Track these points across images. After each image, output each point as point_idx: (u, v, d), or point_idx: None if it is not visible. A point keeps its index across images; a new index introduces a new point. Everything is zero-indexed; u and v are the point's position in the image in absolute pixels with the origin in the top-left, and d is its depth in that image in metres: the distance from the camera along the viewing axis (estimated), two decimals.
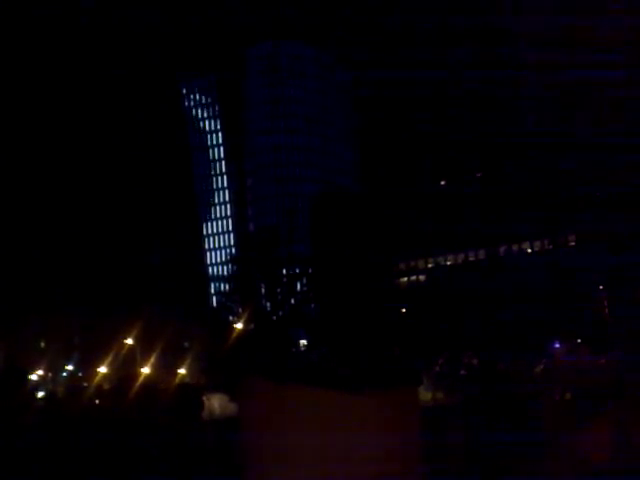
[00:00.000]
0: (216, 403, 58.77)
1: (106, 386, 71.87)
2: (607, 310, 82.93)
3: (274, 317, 67.69)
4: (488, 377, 63.27)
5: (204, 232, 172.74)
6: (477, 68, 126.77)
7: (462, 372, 72.39)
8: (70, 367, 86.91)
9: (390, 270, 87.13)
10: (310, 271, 71.61)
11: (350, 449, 2.76)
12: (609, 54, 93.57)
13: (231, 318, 68.54)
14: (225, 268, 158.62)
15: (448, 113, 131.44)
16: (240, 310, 66.93)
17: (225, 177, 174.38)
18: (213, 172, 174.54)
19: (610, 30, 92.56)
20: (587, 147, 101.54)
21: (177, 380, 71.34)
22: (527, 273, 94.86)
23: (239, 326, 64.71)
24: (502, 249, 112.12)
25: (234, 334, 63.03)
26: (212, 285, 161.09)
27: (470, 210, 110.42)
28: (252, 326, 65.71)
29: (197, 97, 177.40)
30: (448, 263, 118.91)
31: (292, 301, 69.64)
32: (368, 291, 66.84)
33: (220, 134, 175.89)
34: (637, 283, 76.43)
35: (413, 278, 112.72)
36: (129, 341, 71.93)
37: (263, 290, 68.68)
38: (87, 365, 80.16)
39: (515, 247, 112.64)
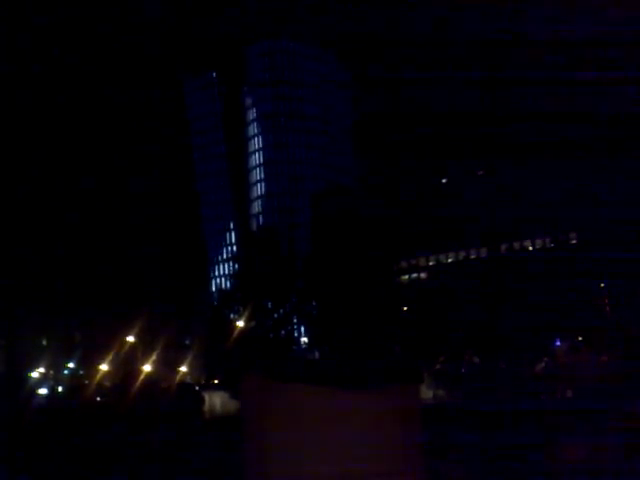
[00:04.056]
0: (217, 401, 58.91)
1: (107, 383, 72.07)
2: (609, 308, 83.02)
3: (275, 315, 67.79)
4: (489, 375, 63.36)
5: (205, 230, 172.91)
6: (480, 66, 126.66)
7: (463, 370, 72.52)
8: (71, 365, 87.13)
9: (391, 268, 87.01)
10: (311, 269, 71.59)
11: (351, 447, 2.74)
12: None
13: (232, 316, 68.65)
14: (227, 266, 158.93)
15: (450, 111, 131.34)
16: (241, 308, 67.02)
17: (226, 175, 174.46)
18: (214, 170, 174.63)
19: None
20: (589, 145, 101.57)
21: (178, 378, 71.52)
22: (529, 271, 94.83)
23: (240, 324, 64.81)
24: (504, 247, 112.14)
25: (235, 332, 63.12)
26: (213, 283, 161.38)
27: (471, 208, 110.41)
28: (253, 323, 65.81)
29: (198, 95, 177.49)
30: (449, 261, 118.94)
31: (293, 299, 69.69)
32: (369, 289, 66.82)
33: (221, 131, 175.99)
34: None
35: (414, 276, 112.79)
36: (130, 339, 72.08)
37: (264, 288, 68.71)
38: (88, 363, 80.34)
39: (517, 245, 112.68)
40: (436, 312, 74.61)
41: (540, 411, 37.69)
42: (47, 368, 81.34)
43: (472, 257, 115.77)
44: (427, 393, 53.61)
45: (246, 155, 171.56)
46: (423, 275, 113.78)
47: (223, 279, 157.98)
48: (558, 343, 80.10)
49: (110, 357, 72.99)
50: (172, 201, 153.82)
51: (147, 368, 68.34)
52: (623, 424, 23.81)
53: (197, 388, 68.70)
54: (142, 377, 64.44)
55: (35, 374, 76.55)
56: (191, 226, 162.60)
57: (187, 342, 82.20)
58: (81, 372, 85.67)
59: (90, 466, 28.09)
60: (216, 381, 71.97)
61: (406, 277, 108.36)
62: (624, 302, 77.69)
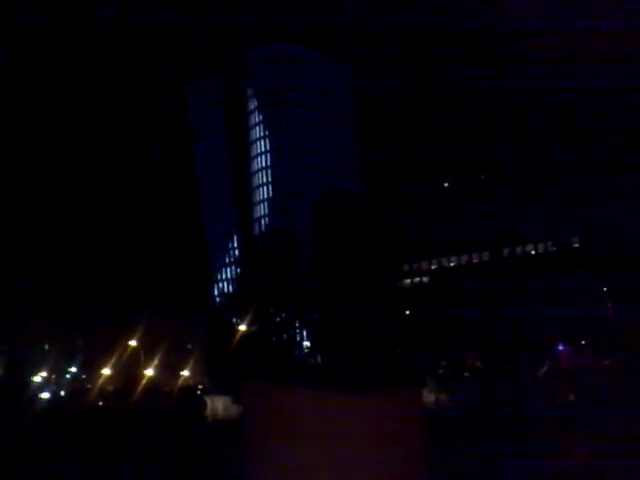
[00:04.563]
0: (219, 405, 58.85)
1: (109, 388, 72.05)
2: (611, 311, 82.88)
3: (277, 319, 67.67)
4: (491, 379, 63.26)
5: (207, 234, 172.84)
6: (480, 67, 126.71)
7: (466, 374, 72.43)
8: (73, 369, 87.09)
9: (393, 271, 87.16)
10: (313, 273, 71.60)
11: (353, 452, 2.72)
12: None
13: (234, 320, 68.54)
14: (228, 270, 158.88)
15: (451, 114, 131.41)
16: (243, 312, 66.90)
17: (228, 179, 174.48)
18: (216, 174, 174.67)
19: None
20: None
21: (180, 382, 71.45)
22: (531, 275, 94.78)
23: (242, 328, 64.72)
24: (506, 251, 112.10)
25: (237, 336, 63.04)
26: (215, 287, 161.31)
27: (474, 212, 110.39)
28: (255, 328, 65.72)
29: (200, 99, 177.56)
30: (451, 264, 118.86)
31: (295, 303, 69.58)
32: (372, 293, 66.90)
33: (223, 136, 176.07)
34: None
35: (416, 280, 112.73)
36: (132, 343, 72.01)
37: (266, 292, 68.64)
38: (90, 367, 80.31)
39: (519, 249, 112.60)
40: (439, 316, 74.51)
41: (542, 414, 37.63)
42: (49, 372, 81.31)
43: (475, 261, 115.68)
44: (429, 397, 53.57)
45: (248, 159, 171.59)
46: (426, 279, 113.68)
47: (225, 283, 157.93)
48: (561, 347, 79.96)
49: (112, 361, 72.92)
50: (174, 205, 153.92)
51: (149, 372, 68.27)
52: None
53: (199, 392, 68.66)
54: (144, 381, 64.38)
55: (37, 378, 76.52)
56: (193, 230, 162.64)
57: (189, 346, 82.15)
58: (83, 376, 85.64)
59: (92, 469, 28.07)
60: (200, 386, 72.06)
61: (409, 281, 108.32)
62: (626, 306, 77.53)
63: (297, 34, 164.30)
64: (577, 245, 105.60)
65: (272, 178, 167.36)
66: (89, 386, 75.79)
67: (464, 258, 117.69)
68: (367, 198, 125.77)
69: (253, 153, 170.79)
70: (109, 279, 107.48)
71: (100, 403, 65.69)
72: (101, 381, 72.29)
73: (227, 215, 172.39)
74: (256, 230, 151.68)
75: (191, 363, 74.19)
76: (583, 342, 78.96)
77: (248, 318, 64.74)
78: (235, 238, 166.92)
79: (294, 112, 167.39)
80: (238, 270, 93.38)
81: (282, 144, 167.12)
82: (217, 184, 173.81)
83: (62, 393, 78.74)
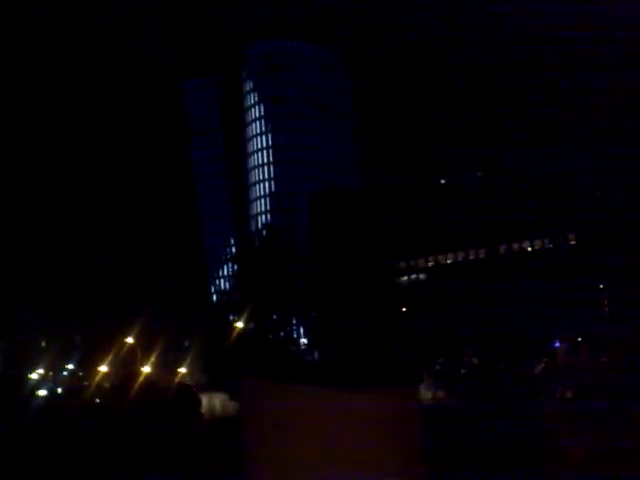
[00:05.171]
0: (217, 402, 58.83)
1: (106, 385, 72.02)
2: (607, 309, 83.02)
3: (274, 316, 67.64)
4: (488, 376, 63.35)
5: (204, 231, 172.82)
6: (479, 66, 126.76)
7: (462, 371, 72.51)
8: (70, 366, 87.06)
9: (390, 269, 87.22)
10: (310, 270, 71.60)
11: (351, 448, 2.74)
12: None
13: (231, 317, 68.50)
14: (225, 267, 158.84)
15: (449, 111, 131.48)
16: (240, 309, 66.87)
17: (225, 176, 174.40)
18: (213, 171, 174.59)
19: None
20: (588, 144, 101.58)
21: (177, 379, 71.40)
22: (527, 272, 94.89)
23: (240, 325, 64.67)
24: (502, 248, 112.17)
25: (234, 333, 63.01)
26: (212, 284, 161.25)
27: (470, 208, 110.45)
28: (253, 325, 65.69)
29: (197, 95, 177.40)
30: (448, 262, 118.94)
31: (292, 300, 69.56)
32: (369, 290, 66.92)
33: (220, 132, 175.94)
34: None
35: (413, 277, 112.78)
36: (129, 340, 72.02)
37: (263, 289, 68.63)
38: (87, 364, 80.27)
39: (515, 246, 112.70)
40: (435, 313, 74.57)
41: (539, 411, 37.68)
42: (46, 369, 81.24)
43: (471, 258, 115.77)
44: (426, 394, 53.57)
45: (245, 156, 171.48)
46: (422, 276, 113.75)
47: (222, 280, 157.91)
48: (557, 344, 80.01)
49: (110, 359, 72.89)
50: (171, 203, 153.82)
51: (146, 369, 68.23)
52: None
53: (195, 389, 68.56)
54: (141, 378, 64.32)
55: (34, 375, 76.46)
56: (190, 227, 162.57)
57: (186, 344, 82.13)
58: (80, 373, 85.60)
59: (89, 466, 28.08)
60: (186, 383, 71.95)
61: (406, 278, 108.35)
62: (623, 303, 77.62)
63: (295, 31, 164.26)
64: (573, 242, 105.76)
65: (269, 175, 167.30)
66: (86, 383, 75.70)
67: (461, 255, 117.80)
68: (364, 195, 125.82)
69: (250, 150, 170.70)
70: (106, 276, 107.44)
71: (97, 400, 65.62)
72: (98, 378, 72.26)
73: (224, 212, 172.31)
74: (253, 227, 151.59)
75: (188, 360, 74.17)
76: (580, 339, 79.01)
77: (246, 315, 64.72)
78: (232, 235, 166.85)
79: (291, 109, 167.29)
80: (235, 267, 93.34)
81: (279, 141, 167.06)
82: (214, 181, 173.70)
83: (59, 390, 78.67)
